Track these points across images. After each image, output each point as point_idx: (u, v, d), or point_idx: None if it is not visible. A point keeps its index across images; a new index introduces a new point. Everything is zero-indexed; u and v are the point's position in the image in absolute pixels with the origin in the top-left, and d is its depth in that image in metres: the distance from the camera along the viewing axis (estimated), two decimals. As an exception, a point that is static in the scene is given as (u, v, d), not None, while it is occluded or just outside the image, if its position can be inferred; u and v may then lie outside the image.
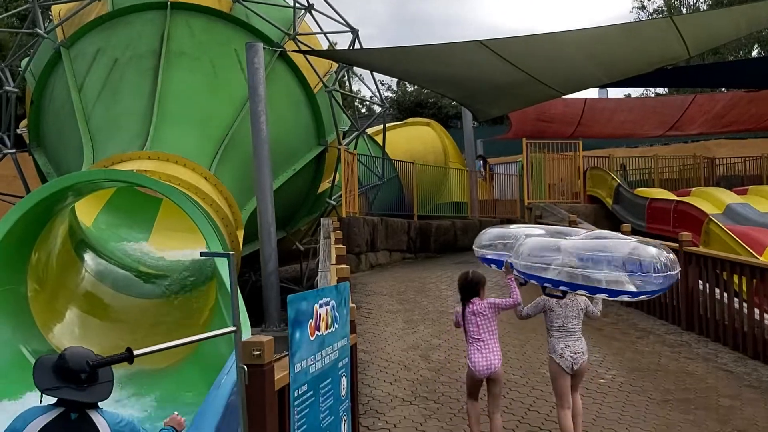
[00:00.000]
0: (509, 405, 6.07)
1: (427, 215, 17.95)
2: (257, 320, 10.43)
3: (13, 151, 13.42)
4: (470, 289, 5.18)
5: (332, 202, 14.69)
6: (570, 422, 5.03)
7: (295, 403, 2.59)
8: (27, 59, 13.21)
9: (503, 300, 5.16)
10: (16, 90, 13.32)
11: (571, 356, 5.03)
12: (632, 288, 4.61)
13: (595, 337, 8.23)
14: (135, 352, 2.13)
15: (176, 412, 3.41)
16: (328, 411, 2.94)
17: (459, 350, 7.66)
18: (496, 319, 5.14)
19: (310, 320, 2.78)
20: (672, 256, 4.75)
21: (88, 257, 11.17)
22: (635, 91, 35.45)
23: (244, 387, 2.29)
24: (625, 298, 4.78)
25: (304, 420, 2.66)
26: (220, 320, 8.46)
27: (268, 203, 10.40)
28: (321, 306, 2.91)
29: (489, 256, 6.01)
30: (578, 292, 4.84)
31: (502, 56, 11.57)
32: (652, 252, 4.66)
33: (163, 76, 11.34)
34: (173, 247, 13.90)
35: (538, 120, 21.81)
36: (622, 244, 4.80)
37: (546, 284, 5.00)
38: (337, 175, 14.87)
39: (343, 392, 3.22)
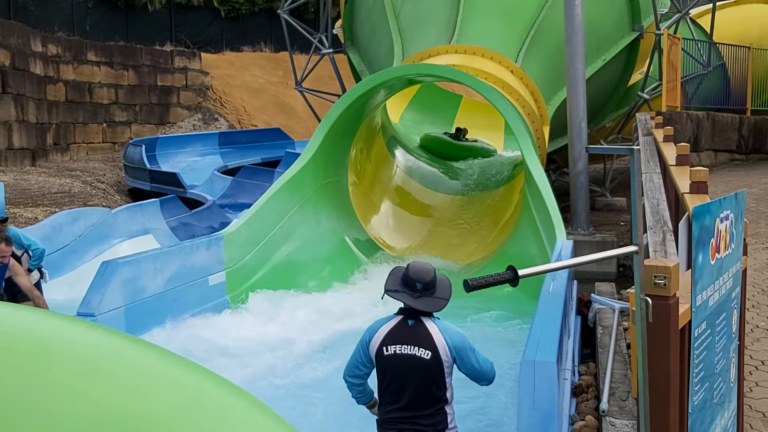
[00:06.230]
0: None
1: (762, 110, 15.30)
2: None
3: (330, 51, 14.24)
4: None
5: (645, 95, 13.14)
6: None
7: (695, 344, 2.03)
8: (341, -42, 13.63)
9: None
10: (331, -9, 13.93)
11: None
12: None
13: None
14: (519, 273, 1.76)
15: None
16: (721, 353, 2.34)
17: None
18: None
19: (712, 239, 2.15)
20: None
21: (399, 153, 11.60)
22: None
23: (645, 323, 1.80)
24: None
25: (701, 365, 2.10)
26: (528, 223, 8.13)
27: (579, 97, 9.55)
28: (722, 221, 2.25)
29: None
30: None
31: None
32: None
33: (470, -36, 10.83)
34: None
35: None
36: None
37: None
38: (651, 65, 13.20)
39: (734, 329, 2.57)
